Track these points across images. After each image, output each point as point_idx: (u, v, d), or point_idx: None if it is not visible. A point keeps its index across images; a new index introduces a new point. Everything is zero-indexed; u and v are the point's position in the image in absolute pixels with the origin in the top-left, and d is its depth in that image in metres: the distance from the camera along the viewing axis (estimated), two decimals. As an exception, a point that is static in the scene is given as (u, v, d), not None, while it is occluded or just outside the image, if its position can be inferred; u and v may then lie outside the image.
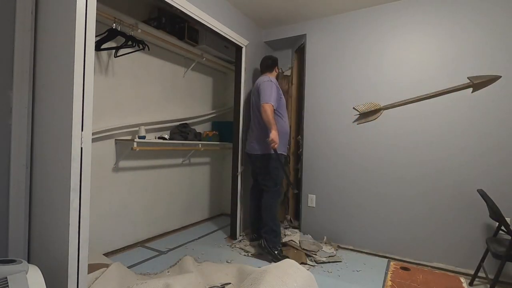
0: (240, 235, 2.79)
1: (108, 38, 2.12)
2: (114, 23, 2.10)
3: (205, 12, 2.29)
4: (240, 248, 2.53)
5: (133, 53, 2.38)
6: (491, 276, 1.82)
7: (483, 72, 2.14)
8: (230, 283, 1.77)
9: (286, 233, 2.66)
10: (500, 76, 2.09)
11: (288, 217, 3.20)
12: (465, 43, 2.21)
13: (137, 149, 2.30)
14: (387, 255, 2.45)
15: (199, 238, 2.78)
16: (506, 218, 1.84)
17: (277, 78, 2.61)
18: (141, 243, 2.55)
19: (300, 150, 2.98)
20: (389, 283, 1.97)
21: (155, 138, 2.66)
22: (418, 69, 2.37)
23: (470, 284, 2.01)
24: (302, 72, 3.06)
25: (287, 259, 1.85)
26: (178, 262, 2.11)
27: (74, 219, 1.27)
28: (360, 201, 2.59)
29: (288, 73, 3.32)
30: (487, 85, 2.13)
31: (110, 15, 2.08)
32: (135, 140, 2.28)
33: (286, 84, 3.28)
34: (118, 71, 2.34)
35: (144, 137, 2.39)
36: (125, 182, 2.43)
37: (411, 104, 2.39)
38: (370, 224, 2.54)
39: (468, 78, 2.18)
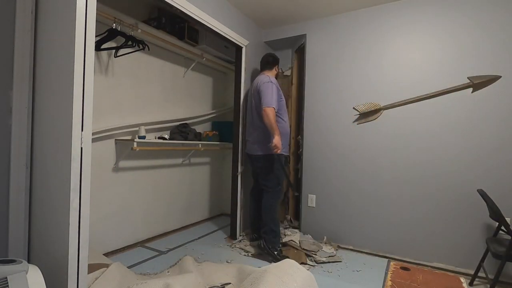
0: (240, 235, 2.79)
1: (108, 38, 2.12)
2: (114, 23, 2.10)
3: (205, 12, 2.29)
4: (240, 248, 2.53)
5: (133, 53, 2.38)
6: (491, 276, 1.82)
7: (483, 72, 2.14)
8: (230, 283, 1.77)
9: (286, 233, 2.67)
10: (500, 76, 2.09)
11: (288, 217, 3.20)
12: (465, 43, 2.21)
13: (137, 149, 2.30)
14: (387, 255, 2.45)
15: (199, 238, 2.78)
16: (506, 218, 1.84)
17: (276, 77, 2.60)
18: (141, 243, 2.55)
19: (300, 150, 2.98)
20: (389, 283, 1.97)
21: (155, 138, 2.66)
22: (418, 69, 2.37)
23: (470, 284, 2.01)
24: (302, 72, 3.06)
25: (287, 259, 1.85)
26: (178, 262, 2.11)
27: (74, 219, 1.27)
28: (360, 201, 2.59)
29: (288, 73, 3.32)
30: (487, 85, 2.13)
31: (110, 15, 2.08)
32: (135, 140, 2.28)
33: (286, 84, 3.28)
34: (118, 71, 2.34)
35: (144, 137, 2.39)
36: (125, 182, 2.43)
37: (411, 104, 2.39)
38: (370, 224, 2.54)
39: (468, 78, 2.18)
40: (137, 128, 2.43)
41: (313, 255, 2.34)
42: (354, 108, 2.63)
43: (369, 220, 2.55)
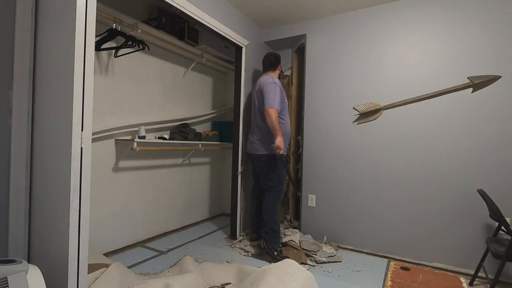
0: (240, 235, 2.79)
1: (108, 38, 2.12)
2: (114, 23, 2.10)
3: (205, 12, 2.29)
4: (240, 248, 2.53)
5: (133, 53, 2.38)
6: (491, 276, 1.82)
7: (483, 72, 2.14)
8: (230, 283, 1.77)
9: (286, 233, 2.67)
10: (500, 76, 2.09)
11: (288, 217, 3.20)
12: (465, 43, 2.21)
13: (137, 149, 2.30)
14: (387, 255, 2.45)
15: (199, 238, 2.78)
16: (506, 218, 1.84)
17: (279, 77, 2.59)
18: (141, 243, 2.55)
19: (300, 150, 2.98)
20: (389, 283, 1.97)
21: (155, 138, 2.66)
22: (418, 69, 2.37)
23: (470, 284, 2.01)
24: (302, 72, 3.06)
25: (287, 259, 1.85)
26: (178, 262, 2.11)
27: (74, 219, 1.27)
28: (360, 201, 2.59)
29: (288, 73, 3.32)
30: (487, 85, 2.13)
31: (110, 15, 2.08)
32: (135, 140, 2.28)
33: (286, 84, 3.28)
34: (118, 71, 2.34)
35: (144, 137, 2.39)
36: (125, 182, 2.43)
37: (411, 104, 2.39)
38: (370, 224, 2.54)
39: (468, 78, 2.18)
40: (137, 128, 2.43)
41: (313, 255, 2.34)
42: (354, 108, 2.63)
43: (369, 220, 2.54)
